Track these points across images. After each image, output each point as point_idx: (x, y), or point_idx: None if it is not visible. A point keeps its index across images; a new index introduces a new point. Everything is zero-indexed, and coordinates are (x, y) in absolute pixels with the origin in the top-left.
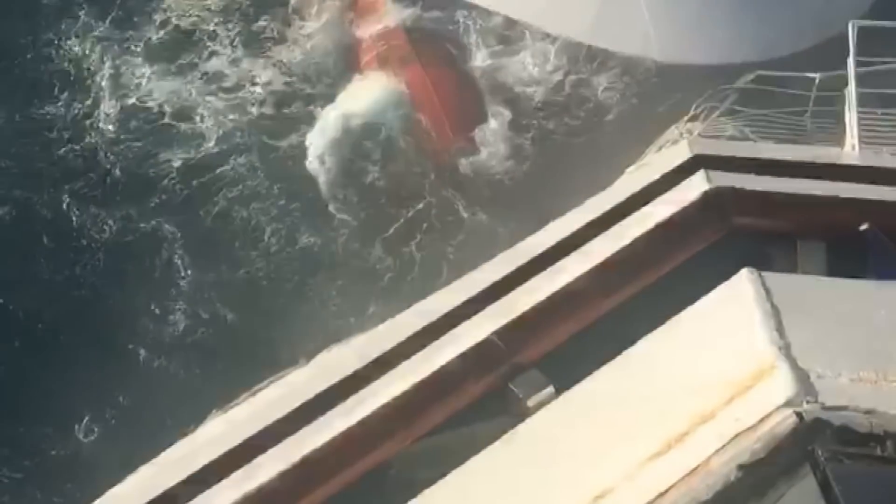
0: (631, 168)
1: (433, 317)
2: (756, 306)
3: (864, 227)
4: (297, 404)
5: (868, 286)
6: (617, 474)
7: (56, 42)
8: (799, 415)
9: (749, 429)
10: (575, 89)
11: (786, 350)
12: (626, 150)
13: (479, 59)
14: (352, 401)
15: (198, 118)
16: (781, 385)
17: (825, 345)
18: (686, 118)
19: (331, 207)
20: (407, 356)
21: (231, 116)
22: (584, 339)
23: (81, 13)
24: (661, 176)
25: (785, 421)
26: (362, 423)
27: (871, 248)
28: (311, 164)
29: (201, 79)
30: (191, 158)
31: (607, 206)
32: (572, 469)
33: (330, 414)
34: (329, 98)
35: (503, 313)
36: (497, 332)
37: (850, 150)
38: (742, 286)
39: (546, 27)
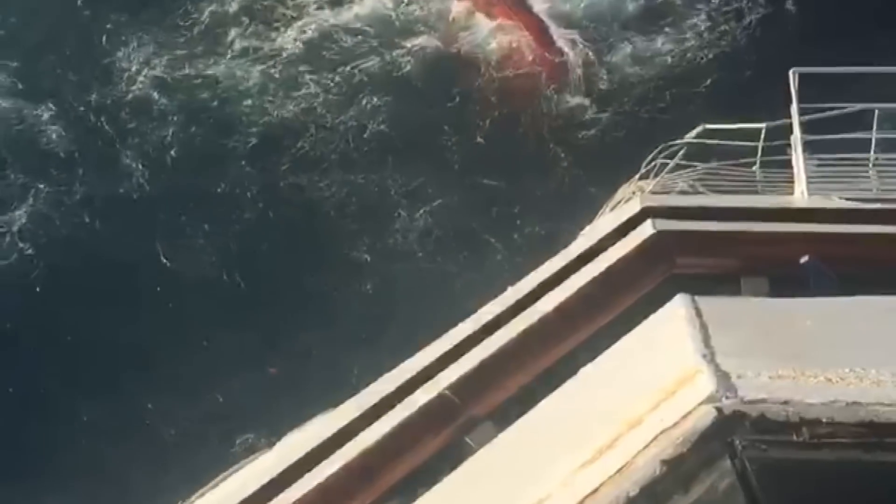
0: (585, 230)
1: (395, 384)
2: (686, 323)
3: (804, 258)
4: (260, 484)
5: (797, 302)
6: (553, 484)
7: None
8: (719, 409)
9: (672, 427)
10: None
11: (710, 357)
12: None
13: None
14: (315, 470)
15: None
16: (703, 385)
17: (749, 351)
18: (637, 176)
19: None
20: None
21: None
22: (536, 387)
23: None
24: (610, 231)
25: (705, 416)
26: (323, 489)
27: (811, 277)
28: None
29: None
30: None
31: (561, 264)
32: (513, 486)
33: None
34: None
35: (457, 370)
36: (451, 388)
37: (800, 197)
38: (675, 308)
39: None
